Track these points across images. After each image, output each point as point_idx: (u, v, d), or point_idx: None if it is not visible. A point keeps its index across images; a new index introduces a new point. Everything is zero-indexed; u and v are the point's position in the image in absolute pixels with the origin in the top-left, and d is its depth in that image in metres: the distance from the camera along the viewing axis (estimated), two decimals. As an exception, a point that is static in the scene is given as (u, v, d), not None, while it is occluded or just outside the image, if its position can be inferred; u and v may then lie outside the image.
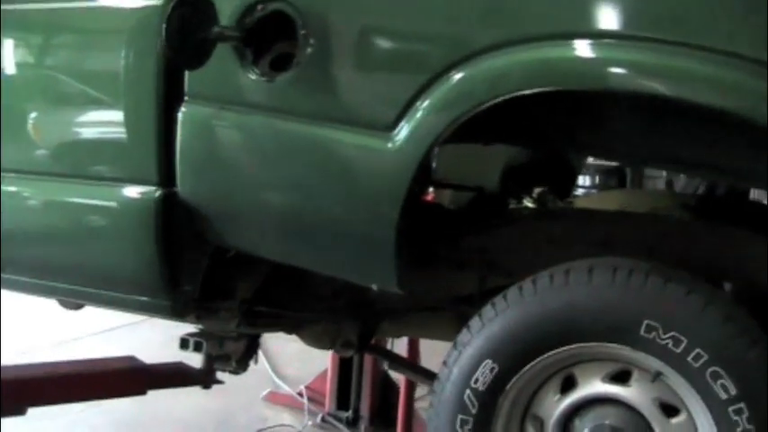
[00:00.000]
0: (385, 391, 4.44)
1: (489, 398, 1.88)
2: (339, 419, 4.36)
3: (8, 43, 2.37)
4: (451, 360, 1.93)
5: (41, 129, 2.33)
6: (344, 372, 4.39)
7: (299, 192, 1.99)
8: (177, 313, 2.23)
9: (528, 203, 2.84)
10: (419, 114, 1.80)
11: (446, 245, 2.30)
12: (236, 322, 2.42)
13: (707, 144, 2.02)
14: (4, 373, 2.50)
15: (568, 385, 1.90)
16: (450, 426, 1.90)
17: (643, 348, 1.76)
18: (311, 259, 2.08)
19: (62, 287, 2.36)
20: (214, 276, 2.27)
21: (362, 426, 4.32)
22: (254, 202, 2.06)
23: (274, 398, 4.67)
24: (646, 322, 1.74)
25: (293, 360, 5.15)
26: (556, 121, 2.06)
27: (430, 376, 2.51)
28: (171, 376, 2.81)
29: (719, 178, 2.93)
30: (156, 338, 5.26)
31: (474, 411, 1.89)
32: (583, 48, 1.67)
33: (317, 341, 2.56)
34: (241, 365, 2.65)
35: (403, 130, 1.82)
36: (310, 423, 4.37)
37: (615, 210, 2.45)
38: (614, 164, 7.77)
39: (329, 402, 4.43)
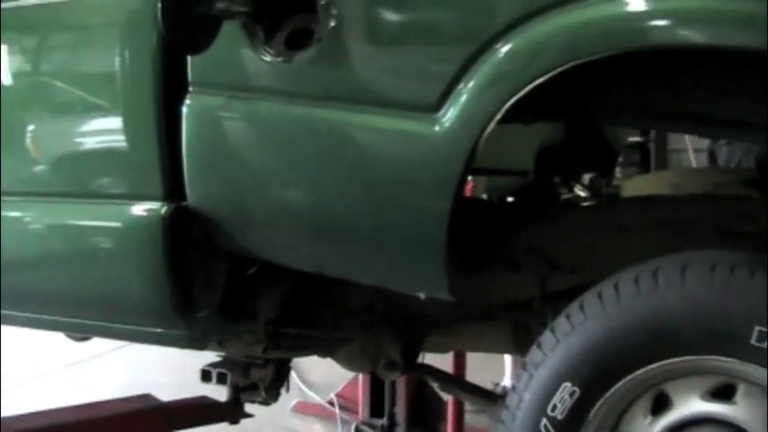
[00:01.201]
0: (421, 394, 4.19)
1: (570, 427, 1.60)
2: (374, 427, 4.12)
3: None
4: (522, 384, 1.65)
5: (32, 144, 2.05)
6: (377, 376, 4.13)
7: (328, 188, 1.71)
8: (196, 344, 1.96)
9: (579, 192, 2.54)
10: (467, 92, 1.52)
11: (497, 243, 2.01)
12: (263, 347, 2.14)
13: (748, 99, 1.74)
14: (4, 425, 2.22)
15: (660, 405, 1.61)
16: (524, 461, 1.62)
17: (754, 360, 1.47)
18: (347, 267, 1.81)
19: (66, 321, 2.09)
20: (233, 297, 2.00)
21: (399, 433, 4.07)
22: (276, 204, 1.78)
23: (303, 408, 4.43)
24: (757, 329, 1.45)
25: (318, 365, 4.87)
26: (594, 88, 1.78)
27: (491, 398, 2.22)
28: (194, 414, 2.53)
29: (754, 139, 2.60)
30: (175, 350, 5.00)
31: (552, 443, 1.61)
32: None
33: (356, 363, 2.28)
34: (271, 395, 2.37)
35: (450, 111, 1.54)
36: (344, 433, 4.12)
37: (690, 192, 2.16)
38: (637, 139, 7.49)
39: (362, 410, 4.19)
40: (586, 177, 2.64)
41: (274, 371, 2.34)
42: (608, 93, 1.77)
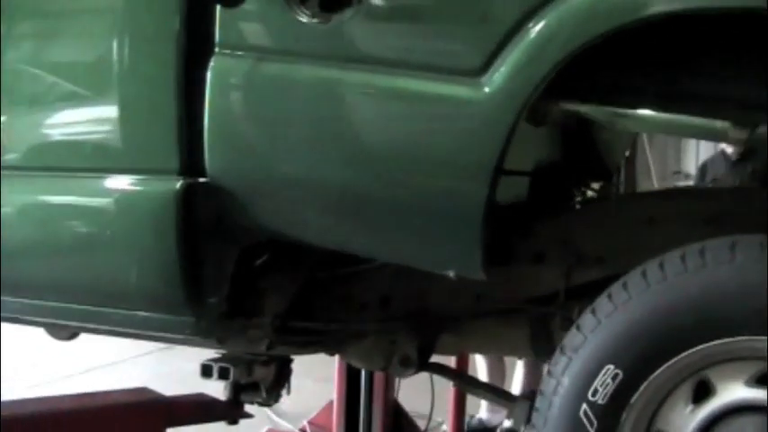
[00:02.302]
0: (397, 423, 4.07)
1: (611, 413, 1.53)
2: (348, 457, 3.96)
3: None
4: (559, 368, 1.58)
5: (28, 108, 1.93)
6: (352, 402, 4.01)
7: (365, 156, 1.63)
8: (203, 331, 1.84)
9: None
10: (515, 55, 1.47)
11: (522, 234, 1.95)
12: (268, 343, 2.03)
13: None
14: (3, 408, 2.06)
15: (702, 393, 1.56)
16: (562, 451, 1.54)
17: (806, 339, 1.42)
18: (375, 243, 1.72)
19: (62, 307, 1.95)
20: (242, 287, 1.90)
21: (374, 462, 3.93)
22: (307, 174, 1.68)
23: (274, 437, 4.26)
24: (810, 307, 1.41)
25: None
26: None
27: (508, 398, 2.14)
28: (193, 411, 2.40)
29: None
30: (188, 367, 4.80)
31: (593, 431, 1.53)
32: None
33: (367, 360, 2.17)
34: (272, 395, 2.26)
35: (496, 75, 1.48)
36: (317, 462, 3.96)
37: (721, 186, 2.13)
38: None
39: (337, 438, 4.03)
40: (596, 185, 2.60)
41: (276, 370, 2.23)
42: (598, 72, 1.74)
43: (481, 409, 4.43)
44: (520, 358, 3.93)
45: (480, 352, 2.81)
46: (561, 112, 2.40)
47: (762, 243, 1.47)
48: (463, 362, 3.07)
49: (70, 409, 2.20)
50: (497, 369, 4.29)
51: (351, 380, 3.81)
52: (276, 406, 4.56)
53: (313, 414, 4.25)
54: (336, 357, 3.54)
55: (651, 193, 2.15)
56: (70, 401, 2.25)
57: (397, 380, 3.65)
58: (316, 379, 4.49)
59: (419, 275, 2.01)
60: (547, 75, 1.45)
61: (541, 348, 2.05)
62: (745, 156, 4.50)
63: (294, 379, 2.49)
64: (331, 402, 4.09)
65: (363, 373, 3.59)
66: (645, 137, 6.21)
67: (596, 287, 1.68)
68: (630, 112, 2.10)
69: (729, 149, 4.60)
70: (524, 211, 2.05)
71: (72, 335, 2.35)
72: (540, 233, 1.98)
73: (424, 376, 3.35)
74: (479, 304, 2.01)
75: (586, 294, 1.77)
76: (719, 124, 2.03)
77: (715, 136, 2.26)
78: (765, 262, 1.44)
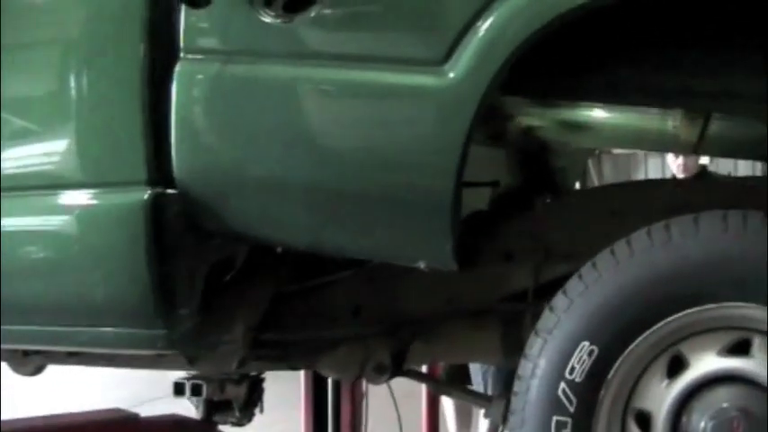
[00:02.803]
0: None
1: (590, 390, 1.55)
2: None
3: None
4: (535, 350, 1.60)
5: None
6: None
7: (335, 151, 1.65)
8: (175, 344, 1.82)
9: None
10: (476, 42, 1.51)
11: (488, 233, 1.98)
12: (239, 359, 2.01)
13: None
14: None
15: (676, 369, 1.58)
16: (543, 432, 1.55)
17: (772, 303, 1.47)
18: (347, 239, 1.73)
19: (25, 331, 1.91)
20: (212, 299, 1.89)
21: (346, 504, 3.85)
22: (278, 172, 1.69)
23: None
24: (776, 272, 1.46)
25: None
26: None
27: (485, 398, 2.15)
28: (165, 430, 2.35)
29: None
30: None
31: (572, 409, 1.55)
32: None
33: (342, 369, 2.15)
34: (245, 414, 2.22)
35: (458, 62, 1.52)
36: None
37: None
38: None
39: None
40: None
41: (248, 389, 2.21)
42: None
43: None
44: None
45: (452, 359, 2.80)
46: (519, 130, 2.48)
47: (723, 216, 1.52)
48: (434, 371, 3.06)
49: (43, 427, 2.14)
50: (464, 417, 4.27)
51: (318, 417, 3.78)
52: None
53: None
54: (303, 395, 3.53)
55: (615, 186, 2.20)
56: (43, 420, 2.20)
57: (364, 417, 3.62)
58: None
59: (390, 282, 2.03)
60: (506, 60, 1.50)
61: (512, 351, 2.06)
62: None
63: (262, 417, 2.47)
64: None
65: (330, 409, 3.55)
66: (594, 172, 6.34)
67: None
68: (583, 116, 2.18)
69: (680, 175, 4.71)
70: (489, 216, 2.09)
71: (36, 369, 2.29)
72: (507, 232, 2.00)
73: (393, 416, 3.33)
74: (450, 307, 2.03)
75: (556, 291, 1.80)
76: (671, 123, 2.11)
77: (666, 142, 2.33)
78: (727, 233, 1.50)
